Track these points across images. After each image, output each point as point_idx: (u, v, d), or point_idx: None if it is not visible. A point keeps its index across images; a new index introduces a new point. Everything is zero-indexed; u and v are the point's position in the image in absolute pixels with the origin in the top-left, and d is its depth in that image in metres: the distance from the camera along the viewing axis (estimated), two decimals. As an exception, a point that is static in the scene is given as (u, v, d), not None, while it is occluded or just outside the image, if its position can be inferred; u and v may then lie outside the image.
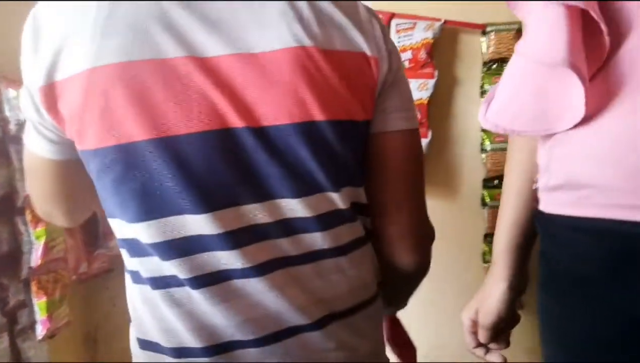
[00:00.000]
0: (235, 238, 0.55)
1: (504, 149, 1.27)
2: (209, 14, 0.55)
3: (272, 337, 0.56)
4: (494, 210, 1.30)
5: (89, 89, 0.53)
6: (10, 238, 1.19)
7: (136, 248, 0.57)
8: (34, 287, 1.19)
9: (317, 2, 0.58)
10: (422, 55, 1.25)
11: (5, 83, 1.20)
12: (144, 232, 0.55)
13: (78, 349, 1.51)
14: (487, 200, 1.30)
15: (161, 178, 0.53)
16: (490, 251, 1.32)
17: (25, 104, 0.58)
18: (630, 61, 0.52)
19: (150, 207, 0.54)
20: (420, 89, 1.27)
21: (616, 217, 0.52)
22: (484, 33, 1.23)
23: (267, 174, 0.55)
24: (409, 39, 1.25)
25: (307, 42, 0.55)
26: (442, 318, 1.44)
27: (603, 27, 0.51)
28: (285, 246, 0.57)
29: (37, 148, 0.61)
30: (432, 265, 1.46)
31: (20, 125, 1.17)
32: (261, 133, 0.55)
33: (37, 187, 0.67)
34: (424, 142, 1.30)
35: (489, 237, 1.32)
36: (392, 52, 0.64)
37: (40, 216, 0.72)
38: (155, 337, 0.58)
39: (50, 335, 1.23)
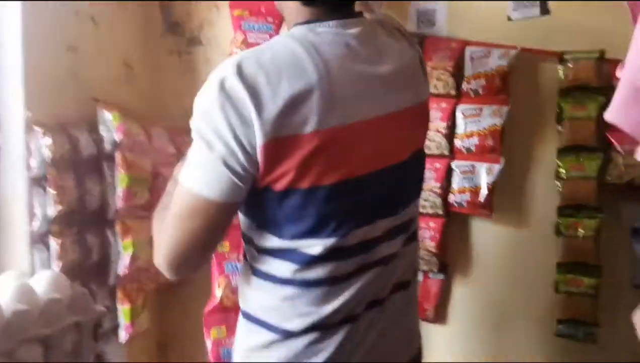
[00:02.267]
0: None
1: (581, 177, 1.24)
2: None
3: None
4: (568, 239, 1.27)
5: (320, 144, 0.69)
6: (100, 248, 1.30)
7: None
8: (119, 294, 1.28)
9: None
10: (497, 82, 1.25)
11: (103, 106, 1.32)
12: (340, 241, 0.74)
13: (151, 355, 1.60)
14: (562, 229, 1.27)
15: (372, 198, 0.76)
16: (563, 281, 1.28)
17: (231, 156, 0.67)
18: None
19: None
20: (493, 115, 1.27)
21: None
22: (562, 61, 1.22)
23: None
24: (484, 66, 1.26)
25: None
26: (509, 344, 1.41)
27: None
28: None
29: (214, 191, 0.68)
30: (502, 291, 1.44)
31: (114, 144, 1.28)
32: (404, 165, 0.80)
33: (193, 234, 0.71)
34: (497, 168, 1.30)
35: (562, 267, 1.28)
36: None
37: (167, 272, 0.74)
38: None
39: (131, 340, 1.32)
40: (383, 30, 0.79)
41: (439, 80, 1.29)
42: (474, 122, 1.29)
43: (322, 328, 0.75)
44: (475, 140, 1.30)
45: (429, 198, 1.36)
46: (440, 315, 1.47)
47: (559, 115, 1.25)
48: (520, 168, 1.33)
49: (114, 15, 1.44)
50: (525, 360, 1.39)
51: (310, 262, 0.72)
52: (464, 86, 1.29)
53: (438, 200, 1.36)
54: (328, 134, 0.68)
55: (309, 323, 0.74)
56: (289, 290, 0.74)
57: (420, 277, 1.44)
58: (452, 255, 1.43)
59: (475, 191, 1.32)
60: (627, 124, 0.69)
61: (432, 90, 1.31)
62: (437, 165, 1.34)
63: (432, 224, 1.38)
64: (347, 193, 0.72)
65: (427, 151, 1.33)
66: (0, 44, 1.21)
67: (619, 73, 0.79)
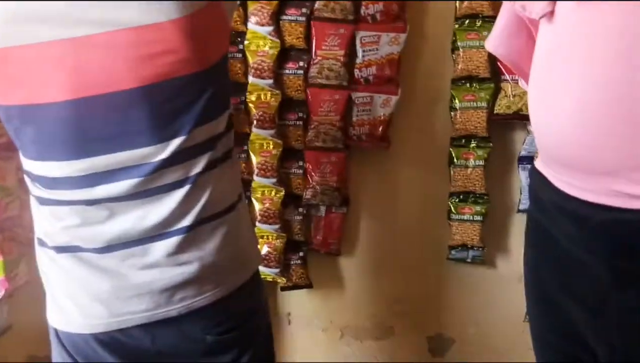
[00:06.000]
0: None
1: (474, 108, 1.26)
2: None
3: None
4: (460, 169, 1.31)
5: None
6: (-41, 196, 1.13)
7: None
8: (-13, 247, 1.14)
9: None
10: (394, 8, 1.21)
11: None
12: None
13: (39, 309, 1.47)
14: (455, 159, 1.30)
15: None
16: (455, 209, 1.34)
17: None
18: None
19: None
20: (391, 43, 1.24)
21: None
22: (457, -12, 1.20)
23: None
24: (380, -7, 1.21)
25: None
26: (406, 272, 1.47)
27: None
28: None
29: None
30: (397, 220, 1.48)
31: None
32: None
33: None
34: (394, 99, 1.28)
35: (454, 196, 1.33)
36: None
37: None
38: None
39: (9, 295, 1.20)
40: None
41: (336, 4, 1.22)
42: (372, 51, 1.25)
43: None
44: (373, 70, 1.27)
45: (329, 131, 1.33)
46: (343, 248, 1.50)
47: (455, 45, 1.25)
48: (418, 99, 1.33)
49: None
50: (421, 282, 1.47)
51: None
52: (362, 11, 1.23)
53: (338, 134, 1.33)
54: None
55: None
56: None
57: (323, 211, 1.44)
58: (353, 188, 1.43)
59: (373, 123, 1.31)
60: (507, 54, 0.69)
61: (329, 14, 1.24)
62: (337, 96, 1.30)
63: (333, 158, 1.36)
64: (32, 120, 0.70)
65: (325, 81, 1.30)
66: None
67: None
